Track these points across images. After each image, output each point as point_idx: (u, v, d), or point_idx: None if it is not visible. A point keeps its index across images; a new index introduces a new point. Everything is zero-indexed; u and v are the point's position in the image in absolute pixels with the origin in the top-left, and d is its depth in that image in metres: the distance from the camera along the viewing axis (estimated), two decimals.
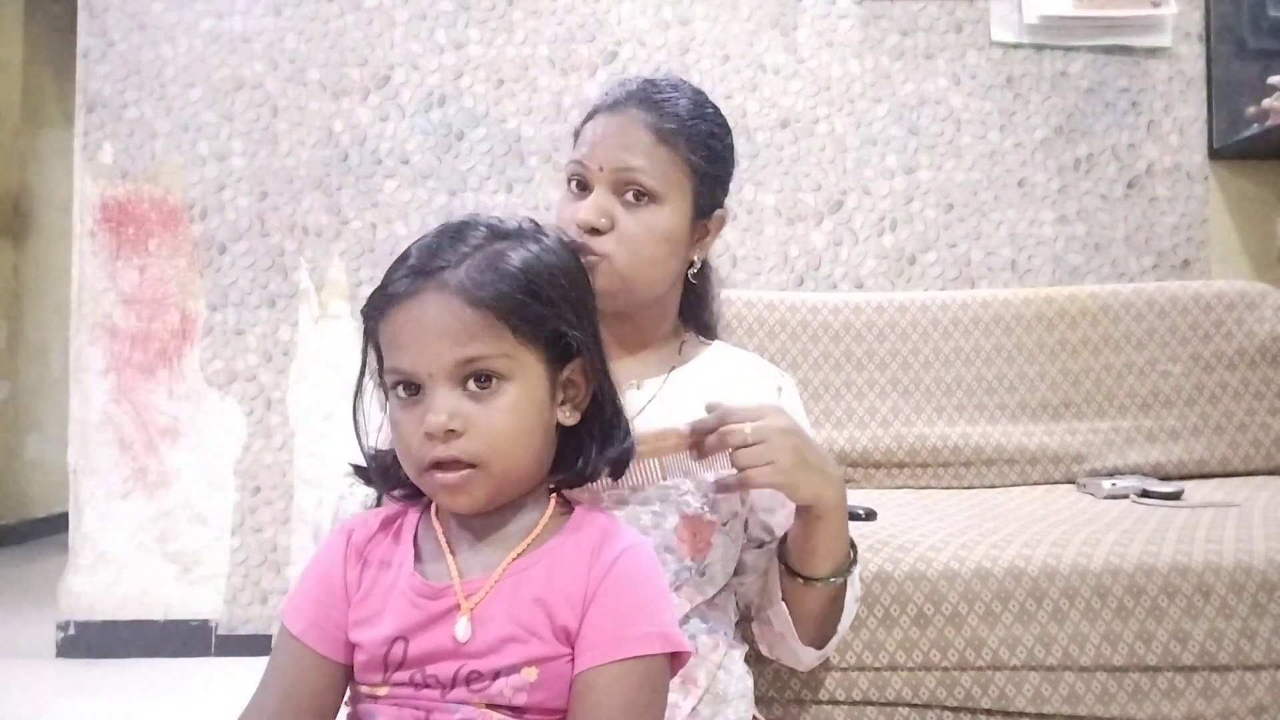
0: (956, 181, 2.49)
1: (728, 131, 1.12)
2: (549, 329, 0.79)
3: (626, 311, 1.05)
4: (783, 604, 1.03)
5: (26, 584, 3.17)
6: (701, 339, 1.15)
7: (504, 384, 0.77)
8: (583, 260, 0.97)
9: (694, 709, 0.96)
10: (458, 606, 0.76)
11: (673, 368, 1.08)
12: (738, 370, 1.10)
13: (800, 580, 1.01)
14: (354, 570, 0.82)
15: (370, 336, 0.82)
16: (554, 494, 0.83)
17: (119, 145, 2.46)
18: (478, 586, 0.77)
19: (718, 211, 1.11)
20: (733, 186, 2.53)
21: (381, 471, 0.85)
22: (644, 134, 1.03)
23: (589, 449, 0.83)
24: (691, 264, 1.10)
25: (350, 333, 2.46)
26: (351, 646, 0.80)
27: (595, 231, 1.00)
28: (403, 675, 0.77)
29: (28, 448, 3.97)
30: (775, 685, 1.32)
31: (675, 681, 0.95)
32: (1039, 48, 2.50)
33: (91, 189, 2.46)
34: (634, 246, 1.01)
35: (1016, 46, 2.50)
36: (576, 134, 1.08)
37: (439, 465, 0.76)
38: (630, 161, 1.02)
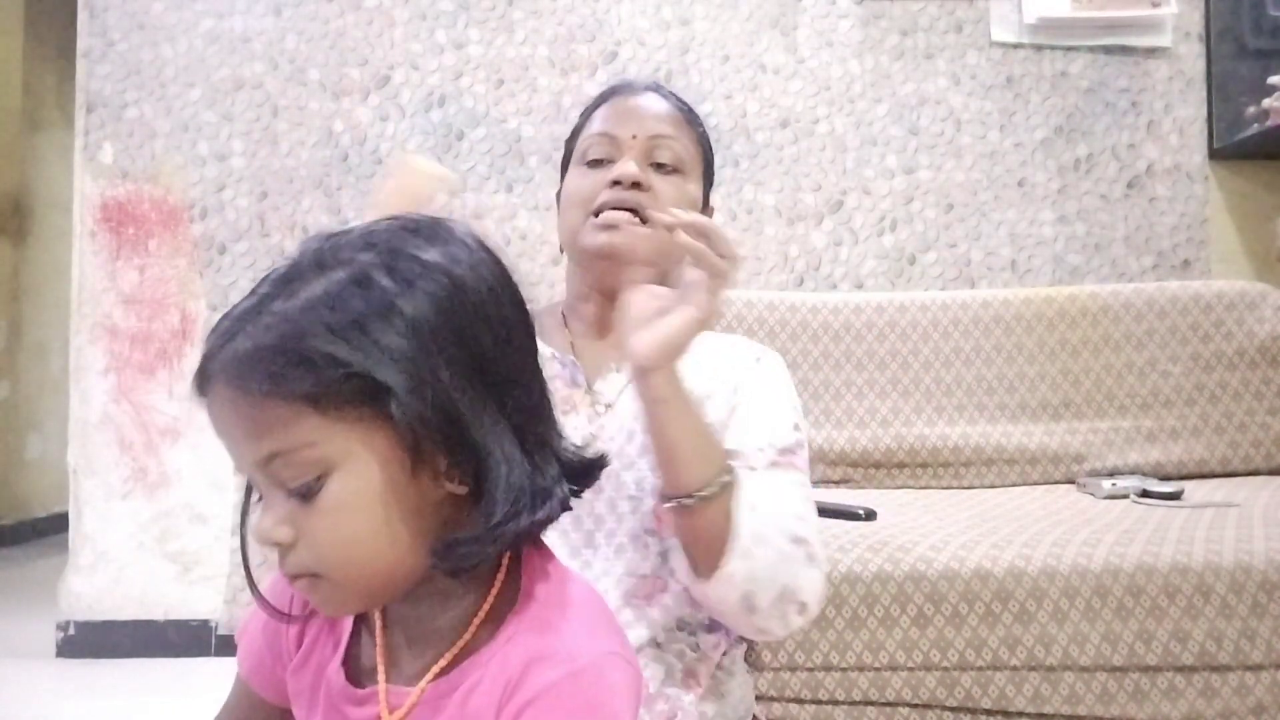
0: (956, 181, 2.49)
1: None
2: (363, 391, 0.59)
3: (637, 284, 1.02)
4: (676, 546, 0.92)
5: (26, 584, 3.17)
6: None
7: (325, 479, 0.59)
8: (612, 216, 0.97)
9: (697, 709, 0.96)
10: (379, 718, 0.65)
11: None
12: (716, 347, 1.06)
13: (676, 503, 0.87)
14: (295, 628, 0.72)
15: None
16: (507, 560, 0.65)
17: (119, 145, 2.46)
18: (402, 699, 0.64)
19: (710, 205, 1.13)
20: (733, 187, 2.53)
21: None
22: (669, 110, 1.06)
23: (480, 524, 0.61)
24: None
25: None
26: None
27: (636, 187, 0.99)
28: None
29: (28, 448, 3.97)
30: (775, 685, 1.32)
31: (678, 679, 0.95)
32: (1039, 48, 2.50)
33: (91, 189, 2.46)
34: (669, 207, 1.00)
35: (1016, 46, 2.50)
36: (582, 121, 1.08)
37: (291, 578, 0.62)
38: (663, 129, 1.03)
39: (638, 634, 0.93)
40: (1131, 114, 2.49)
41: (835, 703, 1.32)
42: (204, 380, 0.61)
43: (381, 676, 0.65)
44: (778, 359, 1.09)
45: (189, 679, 2.20)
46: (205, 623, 2.40)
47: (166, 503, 2.42)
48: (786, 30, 2.50)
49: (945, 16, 2.50)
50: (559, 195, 1.10)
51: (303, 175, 2.46)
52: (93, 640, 2.38)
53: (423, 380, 0.59)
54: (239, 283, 2.45)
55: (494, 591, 0.64)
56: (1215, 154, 2.48)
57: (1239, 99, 2.43)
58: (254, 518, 0.64)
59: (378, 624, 0.67)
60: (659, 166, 1.02)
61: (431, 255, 0.62)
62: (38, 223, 4.00)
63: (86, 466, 2.43)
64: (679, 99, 1.09)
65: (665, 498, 0.89)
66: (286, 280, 0.61)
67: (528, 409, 0.64)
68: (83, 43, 2.47)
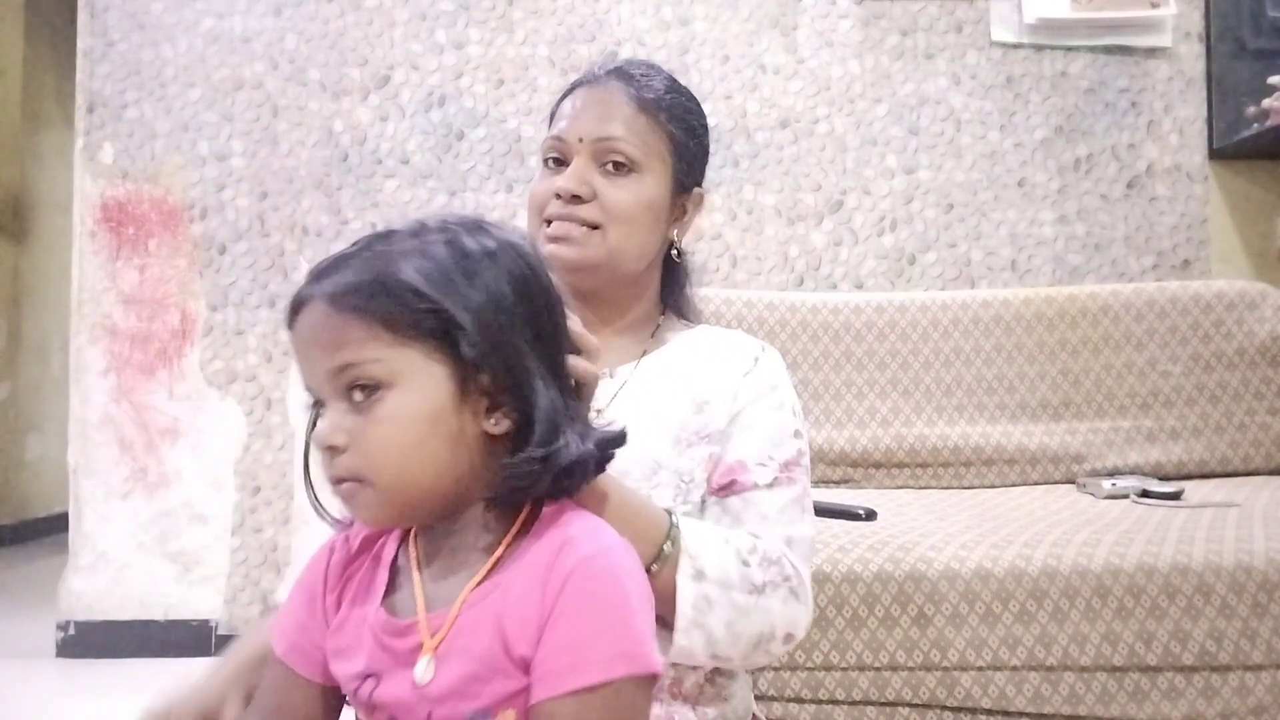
0: (956, 181, 2.49)
1: (703, 113, 1.10)
2: (440, 325, 0.69)
3: (605, 289, 1.02)
4: None
5: (26, 584, 3.17)
6: (684, 322, 1.11)
7: (383, 392, 0.69)
8: (558, 235, 0.97)
9: (694, 711, 0.96)
10: (420, 646, 0.71)
11: (645, 352, 1.04)
12: (712, 347, 1.05)
13: None
14: (333, 594, 0.78)
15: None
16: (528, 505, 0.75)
17: (119, 145, 2.46)
18: (442, 621, 0.71)
19: (696, 190, 1.10)
20: (733, 187, 2.53)
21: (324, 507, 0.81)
22: (624, 103, 1.02)
23: (522, 459, 0.71)
24: (671, 244, 1.08)
25: None
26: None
27: (576, 200, 0.99)
28: (381, 717, 0.72)
29: (28, 448, 3.97)
30: (775, 685, 1.32)
31: (663, 687, 0.94)
32: (1039, 48, 2.50)
33: (91, 189, 2.46)
34: (616, 214, 1.00)
35: (1016, 46, 2.50)
36: (552, 115, 1.07)
37: (332, 480, 0.71)
38: (611, 130, 1.00)
39: None
40: (1131, 114, 2.49)
41: (835, 703, 1.32)
42: (299, 304, 0.72)
43: (421, 606, 0.72)
44: (775, 357, 1.06)
45: (189, 679, 2.20)
46: (205, 623, 2.40)
47: (166, 503, 2.42)
48: (786, 30, 2.50)
49: (945, 16, 2.50)
50: None
51: (303, 175, 2.46)
52: (93, 640, 2.38)
53: (489, 329, 0.70)
54: (239, 283, 2.45)
55: (520, 518, 0.73)
56: (1215, 154, 2.48)
57: (1239, 99, 2.43)
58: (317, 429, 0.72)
59: (413, 565, 0.75)
60: (616, 166, 1.00)
61: (505, 236, 0.75)
62: (38, 223, 4.00)
63: (86, 466, 2.43)
64: (648, 82, 1.04)
65: None
66: (384, 236, 0.74)
67: (565, 380, 0.76)
68: (83, 42, 2.47)
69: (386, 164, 2.47)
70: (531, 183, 1.06)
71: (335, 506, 0.77)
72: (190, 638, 2.39)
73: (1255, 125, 2.36)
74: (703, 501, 0.98)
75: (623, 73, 1.05)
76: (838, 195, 2.48)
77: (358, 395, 0.69)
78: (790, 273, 2.46)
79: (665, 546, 0.87)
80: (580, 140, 1.00)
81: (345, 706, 0.81)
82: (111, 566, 2.41)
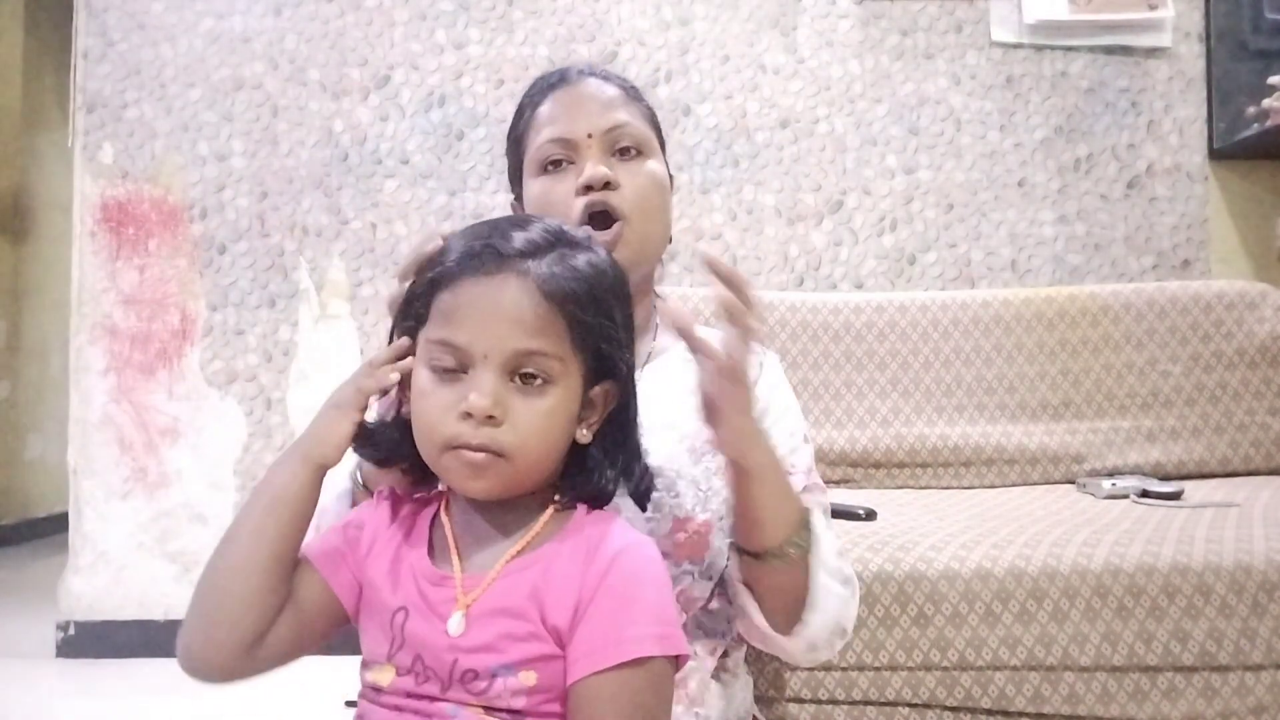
0: (956, 181, 2.49)
1: None
2: (598, 343, 0.78)
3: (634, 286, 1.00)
4: (744, 589, 0.95)
5: (26, 584, 3.17)
6: None
7: (549, 386, 0.76)
8: (602, 233, 0.95)
9: (694, 711, 0.96)
10: (455, 600, 0.76)
11: (649, 355, 1.04)
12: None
13: (753, 557, 0.91)
14: (369, 534, 0.82)
15: (424, 298, 0.79)
16: (555, 501, 0.81)
17: (119, 145, 2.46)
18: (476, 583, 0.76)
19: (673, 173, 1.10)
20: (733, 187, 2.52)
21: (387, 443, 0.82)
22: (615, 94, 1.02)
23: (603, 467, 0.81)
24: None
25: (350, 332, 2.46)
26: (354, 596, 0.80)
27: (607, 185, 0.97)
28: (405, 658, 0.76)
29: (28, 448, 3.97)
30: (775, 685, 1.32)
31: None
32: (1039, 48, 2.50)
33: (91, 189, 2.46)
34: (643, 198, 0.98)
35: (1016, 46, 2.50)
36: (524, 121, 1.03)
37: (466, 445, 0.74)
38: (617, 118, 1.00)
39: None
40: (1131, 114, 2.49)
41: (835, 702, 1.32)
42: (501, 265, 0.76)
43: (456, 564, 0.78)
44: (774, 360, 1.08)
45: (189, 679, 2.20)
46: None
47: (166, 503, 2.42)
48: (786, 30, 2.50)
49: (945, 16, 2.50)
50: (517, 203, 1.06)
51: (303, 175, 2.46)
52: (93, 640, 2.38)
53: (631, 359, 0.82)
54: (239, 283, 2.45)
55: (553, 505, 0.80)
56: (1215, 154, 2.48)
57: (1239, 99, 2.43)
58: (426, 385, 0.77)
59: (448, 530, 0.80)
60: (623, 153, 1.00)
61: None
62: (38, 223, 4.00)
63: (86, 466, 2.43)
64: (619, 77, 1.05)
65: (740, 550, 0.92)
66: (567, 239, 0.80)
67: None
68: (82, 43, 2.47)
69: (386, 164, 2.47)
70: (528, 196, 1.02)
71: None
72: None
73: (1255, 125, 2.36)
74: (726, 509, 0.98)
75: (592, 71, 1.04)
76: (838, 195, 2.48)
77: (521, 380, 0.75)
78: (790, 273, 2.46)
79: (797, 538, 0.90)
80: (590, 135, 0.99)
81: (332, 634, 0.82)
82: (111, 566, 2.41)
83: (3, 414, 3.84)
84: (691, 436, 0.97)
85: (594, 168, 0.97)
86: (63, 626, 2.39)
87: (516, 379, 0.75)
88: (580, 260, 0.79)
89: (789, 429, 1.03)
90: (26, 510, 3.93)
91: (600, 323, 0.78)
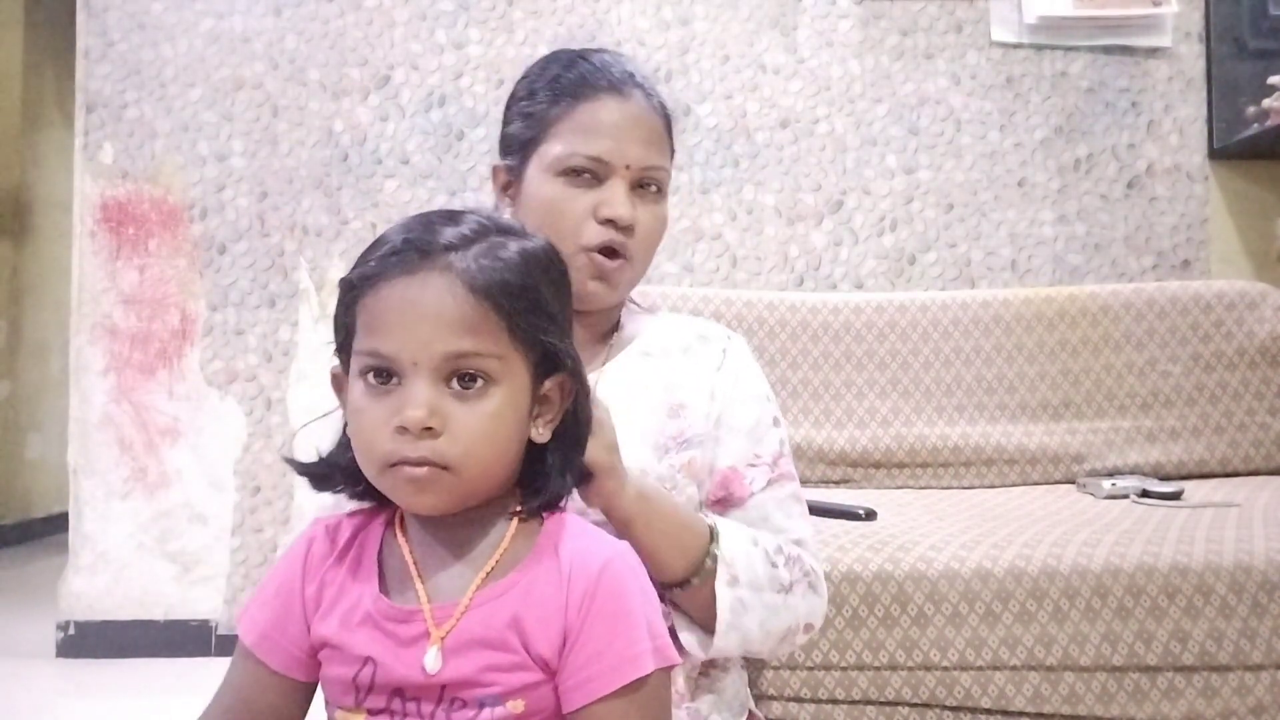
0: (956, 181, 2.49)
1: None
2: (542, 336, 0.73)
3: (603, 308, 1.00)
4: (671, 609, 0.93)
5: (26, 584, 3.17)
6: (639, 308, 1.08)
7: (491, 387, 0.70)
8: (603, 264, 0.94)
9: (684, 706, 0.96)
10: (427, 635, 0.71)
11: (610, 349, 1.02)
12: (678, 342, 1.03)
13: (663, 587, 0.89)
14: (312, 587, 0.76)
15: (346, 311, 0.73)
16: (518, 512, 0.76)
17: (119, 145, 2.46)
18: (447, 614, 0.71)
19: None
20: (733, 187, 2.53)
21: (338, 471, 0.77)
22: (657, 125, 0.99)
23: (560, 468, 0.76)
24: None
25: None
26: (310, 664, 0.76)
27: (629, 229, 0.95)
28: (378, 700, 0.72)
29: (28, 448, 3.97)
30: (775, 684, 1.32)
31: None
32: (1039, 48, 2.50)
33: (91, 189, 2.46)
34: (648, 240, 0.98)
35: (1016, 46, 2.50)
36: (551, 106, 0.98)
37: (405, 461, 0.69)
38: (655, 160, 0.97)
39: None
40: (1131, 114, 2.49)
41: (835, 702, 1.32)
42: (420, 263, 0.70)
43: (423, 595, 0.72)
44: (741, 343, 1.05)
45: (189, 679, 2.20)
46: (205, 623, 2.40)
47: (166, 503, 2.42)
48: (786, 30, 2.50)
49: (945, 16, 2.50)
50: (505, 171, 1.01)
51: (303, 175, 2.46)
52: (93, 640, 2.38)
53: (570, 347, 0.76)
54: (239, 283, 2.45)
55: (515, 521, 0.75)
56: (1215, 154, 2.48)
57: (1239, 99, 2.43)
58: (378, 407, 0.71)
59: (408, 556, 0.75)
60: (644, 187, 0.97)
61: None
62: (38, 223, 4.00)
63: (86, 466, 2.43)
64: (659, 96, 1.01)
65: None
66: (499, 227, 0.75)
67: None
68: (82, 43, 2.47)
69: (386, 164, 2.47)
70: (536, 190, 0.98)
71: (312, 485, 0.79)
72: (190, 638, 2.39)
73: (1255, 125, 2.36)
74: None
75: (640, 84, 0.99)
76: (838, 195, 2.48)
77: (459, 384, 0.70)
78: (790, 273, 2.46)
79: (707, 561, 0.90)
80: (627, 167, 0.95)
81: (312, 701, 0.80)
82: (111, 566, 2.41)
83: (3, 414, 3.84)
84: (654, 433, 0.96)
85: (622, 207, 0.94)
86: (63, 626, 2.39)
87: (454, 383, 0.70)
88: (511, 249, 0.73)
89: (754, 418, 1.00)
90: (26, 510, 3.93)
91: (538, 313, 0.73)
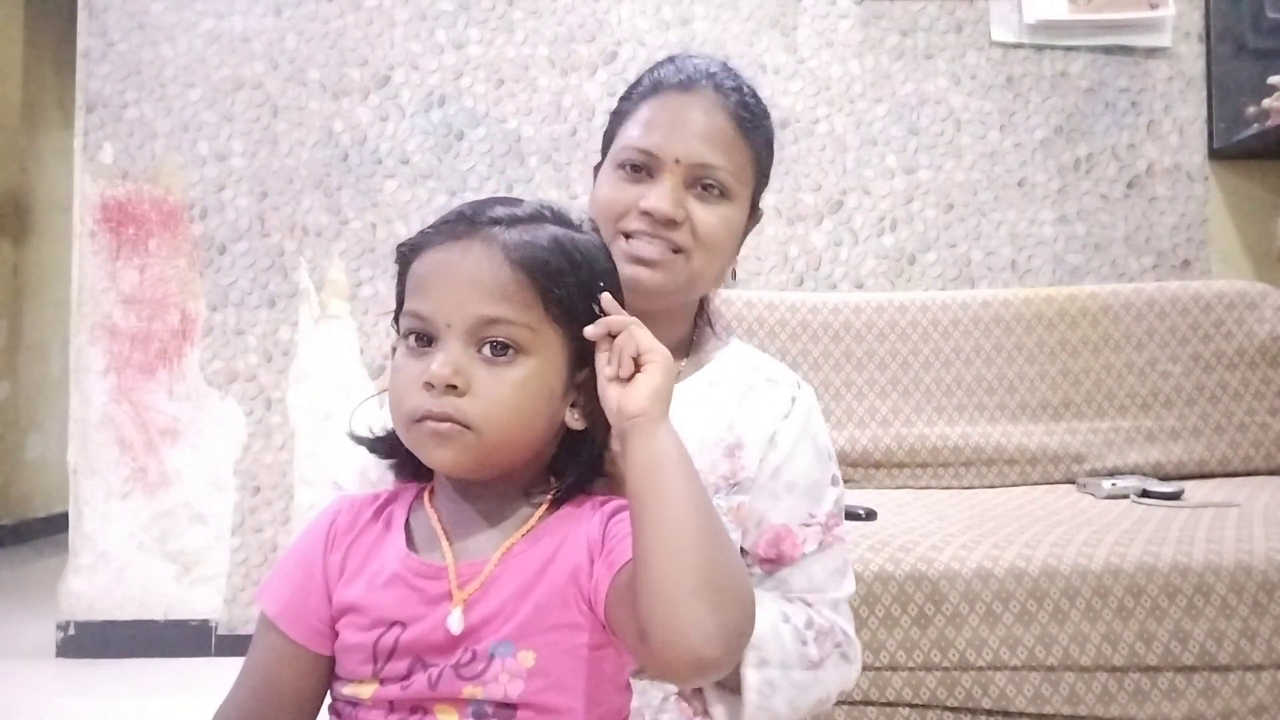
0: (956, 181, 2.49)
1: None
2: (578, 318, 0.75)
3: (665, 310, 0.97)
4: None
5: (26, 584, 3.17)
6: (718, 336, 1.06)
7: (521, 357, 0.73)
8: (639, 246, 0.93)
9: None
10: (449, 596, 0.72)
11: (680, 373, 0.99)
12: (748, 380, 1.01)
13: None
14: (336, 555, 0.77)
15: (399, 278, 0.78)
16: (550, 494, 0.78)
17: (119, 145, 2.46)
18: (473, 573, 0.73)
19: (758, 210, 1.04)
20: None
21: (388, 442, 0.81)
22: (724, 125, 0.96)
23: (580, 459, 0.78)
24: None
25: (350, 332, 2.46)
26: (329, 636, 0.76)
27: (670, 223, 0.93)
28: (398, 666, 0.72)
29: (28, 448, 3.97)
30: None
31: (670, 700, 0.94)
32: (1039, 48, 2.50)
33: (91, 189, 2.45)
34: (705, 240, 0.95)
35: (1016, 46, 2.50)
36: (629, 104, 0.99)
37: (429, 416, 0.72)
38: (712, 158, 0.94)
39: None
40: (1131, 114, 2.49)
41: (835, 702, 1.32)
42: (465, 230, 0.74)
43: (449, 554, 0.74)
44: (810, 395, 1.02)
45: (189, 679, 2.20)
46: (205, 623, 2.40)
47: (166, 503, 2.42)
48: (786, 30, 2.50)
49: (945, 16, 2.50)
50: (597, 172, 1.02)
51: (303, 175, 2.46)
52: (93, 640, 2.38)
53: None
54: (239, 283, 2.45)
55: (545, 501, 0.77)
56: (1215, 154, 2.48)
57: (1239, 99, 2.43)
58: (412, 366, 0.74)
59: (435, 523, 0.77)
60: (705, 187, 0.95)
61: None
62: (38, 223, 4.00)
63: (86, 466, 2.43)
64: (741, 97, 0.98)
65: None
66: (553, 214, 0.78)
67: None
68: (83, 43, 2.47)
69: (386, 164, 2.47)
70: (599, 182, 0.99)
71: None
72: (190, 638, 2.39)
73: (1255, 125, 2.36)
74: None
75: (719, 84, 0.98)
76: (838, 195, 2.48)
77: (491, 350, 0.73)
78: (790, 273, 2.46)
79: None
80: (677, 161, 0.94)
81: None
82: (111, 566, 2.41)
83: (3, 414, 3.84)
84: (707, 471, 0.93)
85: (660, 200, 0.93)
86: (63, 626, 2.39)
87: (485, 349, 0.73)
88: (560, 233, 0.76)
89: (815, 476, 0.99)
90: (26, 510, 3.92)
91: (579, 296, 0.75)
